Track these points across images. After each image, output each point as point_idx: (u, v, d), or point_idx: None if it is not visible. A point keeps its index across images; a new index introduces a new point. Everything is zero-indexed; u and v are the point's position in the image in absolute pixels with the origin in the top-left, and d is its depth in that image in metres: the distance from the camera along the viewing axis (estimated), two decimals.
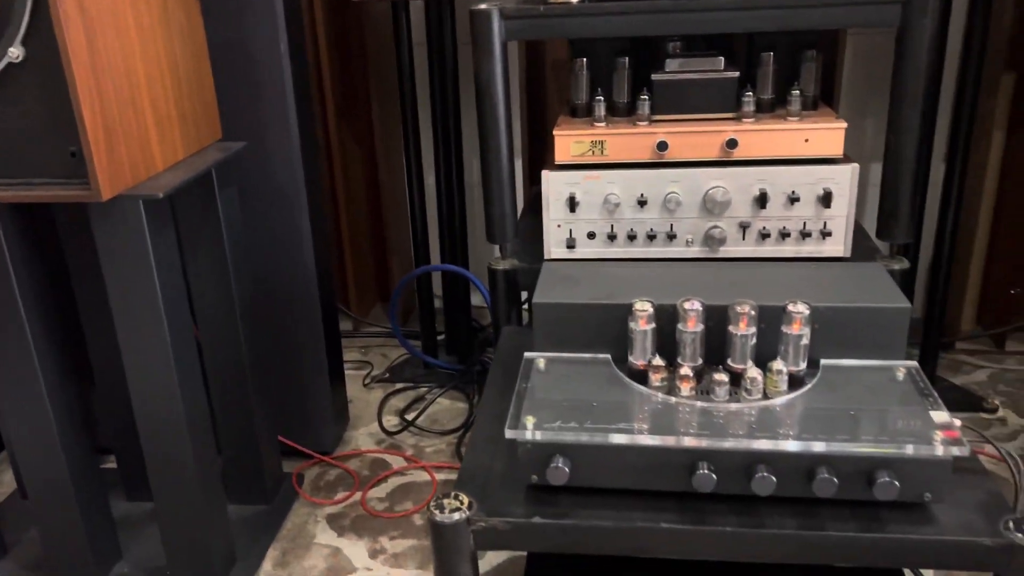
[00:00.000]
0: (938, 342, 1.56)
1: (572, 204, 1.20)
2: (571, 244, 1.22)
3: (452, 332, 1.79)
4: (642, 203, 1.19)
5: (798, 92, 1.15)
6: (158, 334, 1.01)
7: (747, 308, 0.89)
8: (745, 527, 0.79)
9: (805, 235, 1.17)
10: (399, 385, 1.70)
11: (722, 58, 1.19)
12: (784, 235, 1.17)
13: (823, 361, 0.92)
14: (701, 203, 1.18)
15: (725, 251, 1.20)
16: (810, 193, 1.15)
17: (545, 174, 1.20)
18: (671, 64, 1.20)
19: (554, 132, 1.19)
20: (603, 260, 1.21)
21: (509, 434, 0.83)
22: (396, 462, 1.43)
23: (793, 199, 1.15)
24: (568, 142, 1.19)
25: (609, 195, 1.19)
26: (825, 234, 1.17)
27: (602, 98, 1.20)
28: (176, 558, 1.12)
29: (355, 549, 1.22)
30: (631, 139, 1.17)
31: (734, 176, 1.16)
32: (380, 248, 1.99)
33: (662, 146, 1.16)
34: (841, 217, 1.16)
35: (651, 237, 1.20)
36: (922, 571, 1.11)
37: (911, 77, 1.09)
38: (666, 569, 0.97)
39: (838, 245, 1.18)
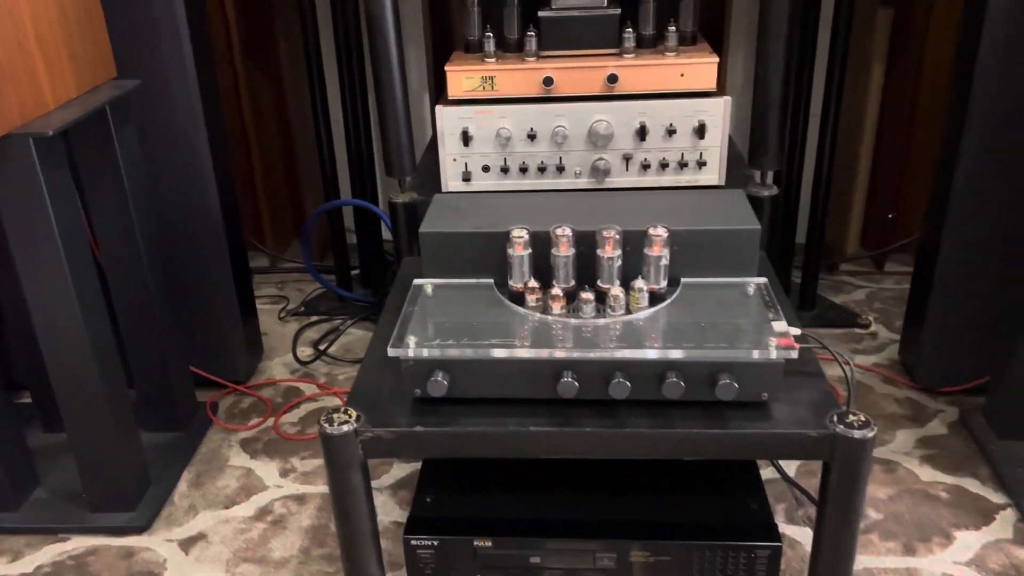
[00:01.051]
0: (818, 264, 1.67)
1: (466, 138, 1.25)
2: (467, 177, 1.28)
3: (366, 266, 1.84)
4: (532, 137, 1.25)
5: (674, 28, 1.22)
6: (58, 270, 1.04)
7: (612, 233, 0.97)
8: (605, 428, 0.88)
9: (683, 165, 1.25)
10: (314, 318, 1.75)
11: None
12: (663, 166, 1.25)
13: (684, 279, 1.01)
14: (587, 136, 1.24)
15: (610, 182, 1.27)
16: (686, 125, 1.23)
17: (439, 109, 1.25)
18: (557, 0, 1.25)
19: (446, 68, 1.24)
20: (498, 192, 1.28)
21: (392, 352, 0.90)
22: (309, 389, 1.50)
23: (671, 131, 1.23)
24: (459, 77, 1.24)
25: (500, 129, 1.24)
26: (701, 164, 1.25)
27: (491, 34, 1.24)
28: (91, 483, 1.17)
29: (267, 469, 1.29)
30: (519, 75, 1.23)
31: (616, 110, 1.23)
32: (294, 185, 2.01)
33: (548, 81, 1.21)
34: (715, 147, 1.24)
35: (542, 169, 1.27)
36: (782, 463, 1.24)
37: (776, 10, 1.16)
38: (546, 470, 1.06)
39: (713, 174, 1.26)
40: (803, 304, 1.70)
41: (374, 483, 1.24)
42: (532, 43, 1.24)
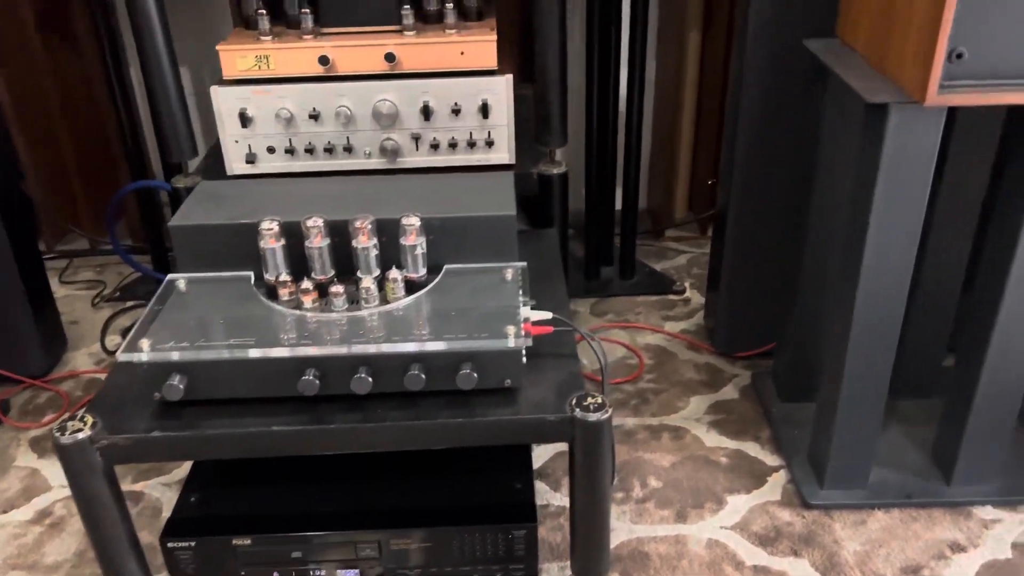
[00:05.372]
0: (635, 231, 1.70)
1: (245, 119, 1.21)
2: (251, 159, 1.24)
3: None
4: (314, 117, 1.21)
5: (452, 5, 1.20)
6: None
7: (365, 223, 0.95)
8: (350, 423, 0.88)
9: (471, 144, 1.24)
10: (130, 303, 1.69)
11: None
12: (452, 145, 1.24)
13: (447, 266, 1.01)
14: (372, 116, 1.22)
15: (402, 162, 1.25)
16: (471, 104, 1.21)
17: (214, 90, 1.20)
18: None
19: (218, 47, 1.19)
20: (285, 174, 1.24)
21: (122, 357, 0.86)
22: None
23: (456, 110, 1.21)
24: (233, 57, 1.19)
25: (280, 110, 1.21)
26: (489, 143, 1.24)
27: (264, 11, 1.20)
28: None
29: (54, 469, 1.24)
30: (295, 53, 1.19)
31: (399, 89, 1.21)
32: (110, 164, 1.92)
33: (323, 61, 1.18)
34: (502, 126, 1.24)
35: (328, 150, 1.24)
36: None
37: None
38: (314, 462, 1.05)
39: (502, 153, 1.25)
40: (623, 272, 1.73)
41: (165, 479, 1.20)
42: (308, 20, 1.20)
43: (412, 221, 0.95)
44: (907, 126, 0.88)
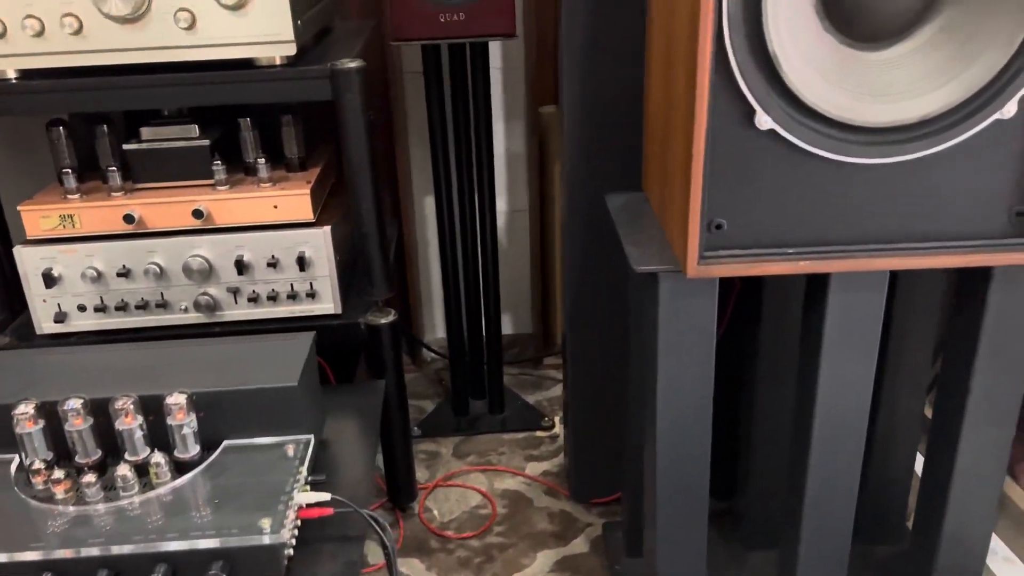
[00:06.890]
0: (499, 362, 1.65)
1: (50, 279, 1.16)
2: (60, 319, 1.18)
3: None
4: (124, 274, 1.17)
5: (263, 160, 1.17)
6: None
7: (126, 403, 0.90)
8: None
9: (292, 296, 1.20)
10: None
11: (196, 125, 1.19)
12: (272, 298, 1.20)
13: (226, 441, 0.95)
14: (183, 272, 1.17)
15: (221, 315, 1.21)
16: (288, 257, 1.18)
17: (16, 250, 1.15)
18: (145, 132, 1.18)
19: (19, 208, 1.15)
20: (98, 332, 1.19)
21: None
22: None
23: (272, 263, 1.18)
24: (35, 217, 1.15)
25: (87, 269, 1.16)
26: (311, 294, 1.20)
27: (70, 170, 1.16)
28: None
29: None
30: (101, 211, 1.15)
31: (212, 244, 1.17)
32: None
33: (128, 219, 1.14)
34: (324, 277, 1.20)
35: (142, 307, 1.19)
36: None
37: (355, 144, 1.13)
38: None
39: (327, 303, 1.21)
40: (493, 406, 1.68)
41: None
42: (116, 178, 1.16)
43: (177, 400, 0.90)
44: (679, 293, 0.86)
